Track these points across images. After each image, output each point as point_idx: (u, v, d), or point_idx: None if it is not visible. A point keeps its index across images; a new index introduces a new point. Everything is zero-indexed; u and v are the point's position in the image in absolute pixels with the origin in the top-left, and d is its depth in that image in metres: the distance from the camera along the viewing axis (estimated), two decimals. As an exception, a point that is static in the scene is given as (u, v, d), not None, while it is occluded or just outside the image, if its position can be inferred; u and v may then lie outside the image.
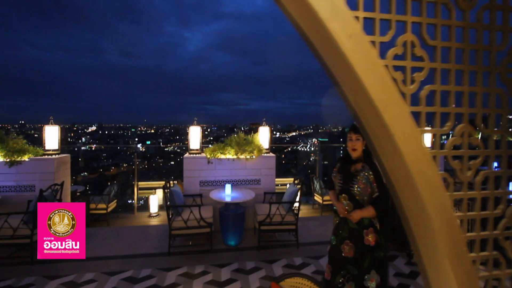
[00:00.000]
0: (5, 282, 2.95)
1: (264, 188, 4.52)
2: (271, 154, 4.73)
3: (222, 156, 4.48)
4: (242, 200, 3.76)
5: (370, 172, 2.00)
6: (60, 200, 3.83)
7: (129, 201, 6.93)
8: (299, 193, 3.85)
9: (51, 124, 4.29)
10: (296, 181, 4.10)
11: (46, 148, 4.24)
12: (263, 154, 4.61)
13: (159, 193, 6.18)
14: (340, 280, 2.02)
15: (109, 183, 6.02)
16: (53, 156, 4.20)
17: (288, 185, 4.96)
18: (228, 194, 3.91)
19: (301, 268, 3.25)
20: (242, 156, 4.46)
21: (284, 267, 3.26)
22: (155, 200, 5.87)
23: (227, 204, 3.89)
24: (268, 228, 3.73)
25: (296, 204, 3.99)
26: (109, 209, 5.39)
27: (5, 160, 3.93)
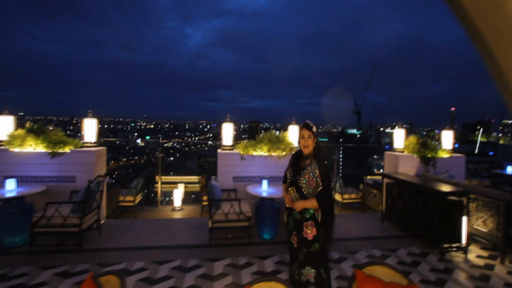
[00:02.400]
0: (59, 268, 3.07)
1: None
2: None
3: (255, 153, 4.60)
4: (278, 195, 3.89)
5: (317, 167, 2.16)
6: (102, 191, 3.94)
7: (151, 195, 7.05)
8: (341, 190, 3.98)
9: (90, 117, 4.38)
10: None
11: (85, 140, 4.34)
12: (293, 152, 4.73)
13: (181, 187, 6.32)
14: (296, 271, 2.21)
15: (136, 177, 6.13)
16: (92, 148, 4.30)
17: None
18: (265, 189, 4.03)
19: (341, 261, 3.39)
20: (274, 154, 4.58)
21: (324, 261, 3.40)
22: (179, 194, 6.00)
23: (263, 199, 4.01)
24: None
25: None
26: (135, 202, 5.52)
27: (47, 151, 4.02)
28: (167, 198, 6.83)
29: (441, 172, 5.08)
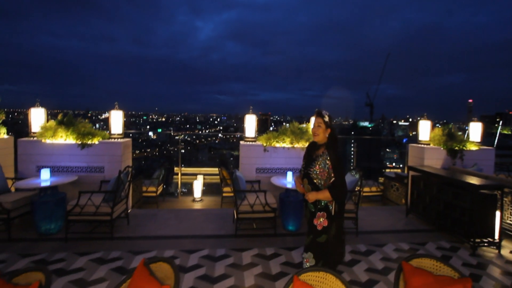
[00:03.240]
0: (94, 255, 3.18)
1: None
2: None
3: (278, 145, 4.58)
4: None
5: (328, 158, 2.09)
6: (131, 181, 4.03)
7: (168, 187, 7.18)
8: (359, 183, 3.93)
9: (116, 109, 4.45)
10: (354, 171, 4.18)
11: (112, 132, 4.42)
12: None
13: (200, 179, 6.39)
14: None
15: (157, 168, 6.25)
16: (119, 140, 4.38)
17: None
18: (289, 181, 4.02)
19: (368, 254, 3.37)
20: (297, 145, 4.54)
21: (351, 253, 3.39)
22: (199, 185, 6.08)
23: (288, 191, 4.01)
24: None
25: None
26: (158, 192, 5.63)
27: (77, 142, 4.13)
28: (185, 189, 6.94)
29: (469, 165, 4.92)
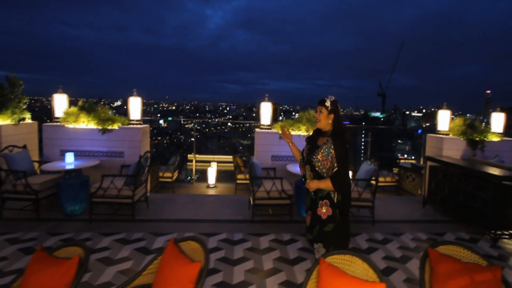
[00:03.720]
0: (117, 235, 3.32)
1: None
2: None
3: (293, 133, 4.57)
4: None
5: (332, 146, 2.01)
6: (150, 166, 4.13)
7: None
8: (376, 172, 3.90)
9: (135, 95, 4.51)
10: (371, 160, 4.14)
11: (131, 118, 4.51)
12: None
13: (214, 166, 6.48)
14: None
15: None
16: (138, 125, 4.47)
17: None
18: (306, 169, 4.03)
19: (386, 242, 3.38)
20: (314, 134, 4.52)
21: (368, 241, 3.40)
22: (213, 172, 6.17)
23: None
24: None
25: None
26: (173, 178, 5.76)
27: (98, 127, 4.24)
28: (198, 175, 7.05)
29: (489, 157, 4.79)
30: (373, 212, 3.88)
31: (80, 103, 4.31)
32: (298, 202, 4.05)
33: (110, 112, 4.44)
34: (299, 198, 4.01)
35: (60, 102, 4.39)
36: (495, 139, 4.90)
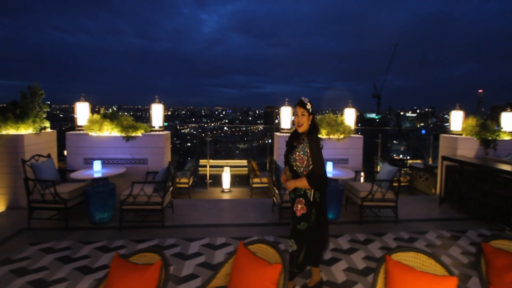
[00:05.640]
0: (150, 242, 3.34)
1: (352, 167, 4.70)
2: (359, 135, 4.86)
3: (313, 136, 4.66)
4: (344, 177, 3.96)
5: (308, 145, 2.10)
6: (175, 172, 4.16)
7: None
8: (398, 172, 4.00)
9: (157, 102, 4.56)
10: (382, 161, 4.25)
11: (152, 124, 4.54)
12: (351, 135, 4.76)
13: (227, 170, 6.52)
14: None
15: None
16: (161, 132, 4.51)
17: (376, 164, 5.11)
18: (330, 171, 4.11)
19: (413, 241, 3.47)
20: (334, 136, 4.62)
21: (395, 240, 3.49)
22: (227, 176, 6.21)
23: (328, 180, 4.10)
24: (369, 204, 3.95)
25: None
26: (190, 183, 5.78)
27: (122, 135, 4.26)
28: (211, 181, 7.08)
29: (502, 155, 4.94)
30: (396, 212, 3.98)
31: (102, 111, 4.34)
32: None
33: (132, 119, 4.46)
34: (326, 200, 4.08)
35: (82, 111, 4.41)
36: (507, 138, 5.07)
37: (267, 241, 1.71)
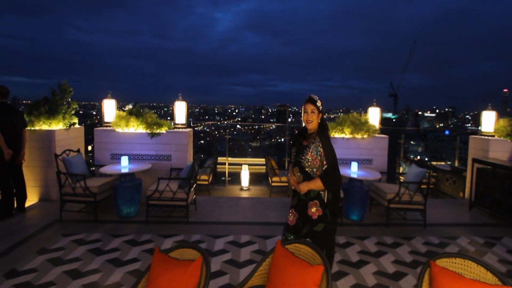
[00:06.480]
0: (177, 237, 3.39)
1: (376, 168, 4.58)
2: (384, 135, 4.73)
3: (336, 135, 4.57)
4: (370, 178, 3.87)
5: (321, 145, 1.98)
6: (198, 169, 4.20)
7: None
8: (428, 175, 3.87)
9: (180, 100, 4.61)
10: (406, 163, 4.10)
11: (176, 122, 4.60)
12: (375, 135, 4.63)
13: (246, 168, 6.53)
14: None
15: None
16: (184, 129, 4.56)
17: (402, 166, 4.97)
18: (354, 171, 4.03)
19: (443, 246, 3.34)
20: (358, 136, 4.51)
21: (425, 245, 3.37)
22: (246, 175, 6.21)
23: (352, 181, 4.02)
24: (396, 206, 3.83)
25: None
26: (209, 180, 5.83)
27: (147, 131, 4.34)
28: (229, 178, 7.13)
29: (538, 159, 4.67)
30: (424, 216, 3.84)
31: (126, 108, 4.44)
32: (347, 205, 4.04)
33: (156, 116, 4.54)
34: (348, 201, 4.00)
35: (109, 107, 4.53)
36: (543, 140, 4.78)
37: (305, 242, 1.68)
